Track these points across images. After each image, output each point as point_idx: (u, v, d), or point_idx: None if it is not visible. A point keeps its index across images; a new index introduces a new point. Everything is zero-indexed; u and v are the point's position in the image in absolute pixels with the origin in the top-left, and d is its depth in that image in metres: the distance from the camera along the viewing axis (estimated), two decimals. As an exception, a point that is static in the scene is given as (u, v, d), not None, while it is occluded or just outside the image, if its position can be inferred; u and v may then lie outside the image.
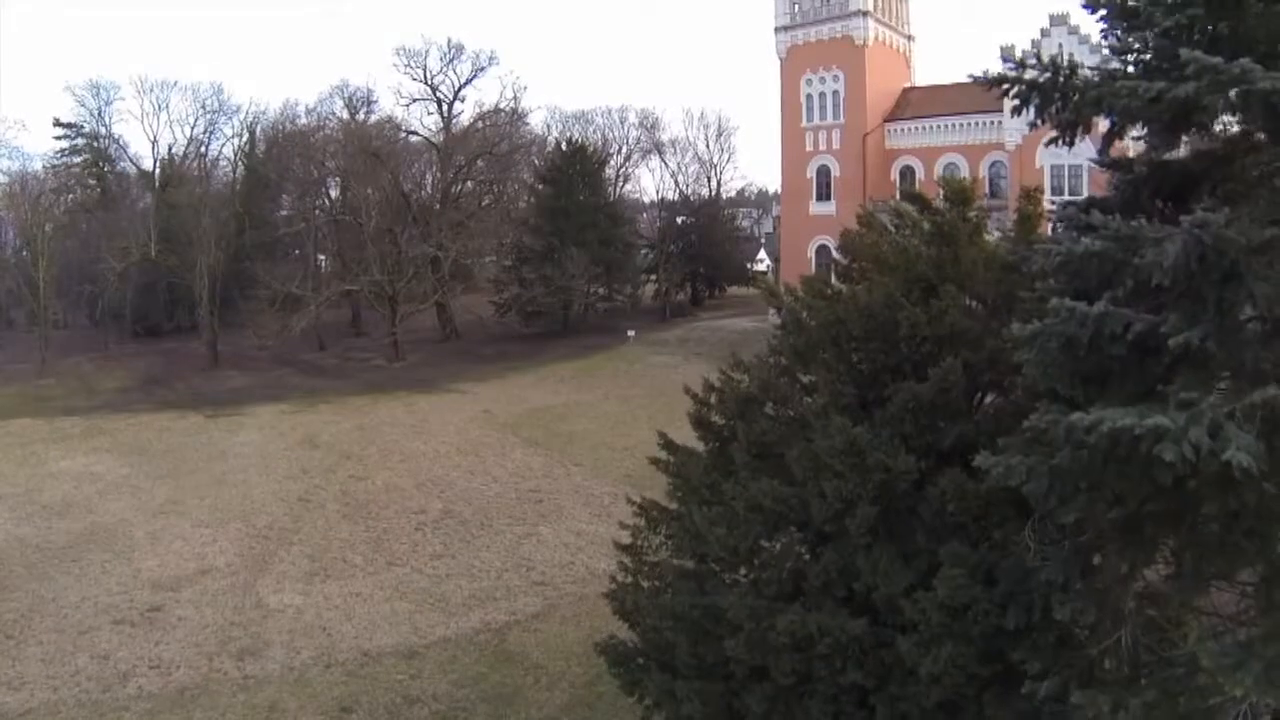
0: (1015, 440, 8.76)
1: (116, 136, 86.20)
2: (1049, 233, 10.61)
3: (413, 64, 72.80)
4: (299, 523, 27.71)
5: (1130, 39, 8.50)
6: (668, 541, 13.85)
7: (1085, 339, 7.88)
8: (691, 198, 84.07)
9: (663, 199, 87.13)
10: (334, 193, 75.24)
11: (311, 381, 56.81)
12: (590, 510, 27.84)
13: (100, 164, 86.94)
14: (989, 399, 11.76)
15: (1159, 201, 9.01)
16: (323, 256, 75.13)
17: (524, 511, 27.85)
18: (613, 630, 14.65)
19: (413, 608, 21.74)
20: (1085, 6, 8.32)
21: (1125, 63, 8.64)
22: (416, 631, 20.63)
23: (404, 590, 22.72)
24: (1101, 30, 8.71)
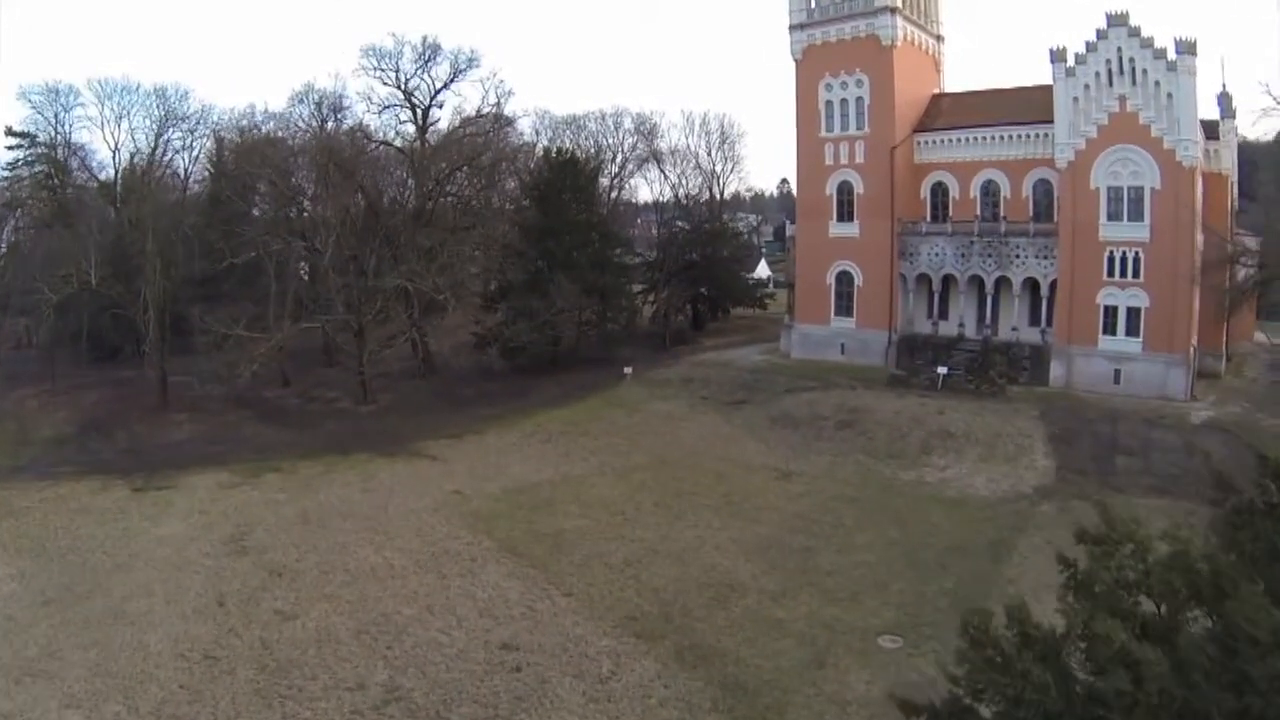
0: None
1: (77, 146, 78.93)
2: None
3: (383, 65, 65.66)
4: (196, 703, 20.96)
5: None
6: None
7: None
8: (689, 206, 77.06)
9: (661, 213, 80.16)
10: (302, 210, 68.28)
11: (266, 432, 50.05)
12: (584, 687, 21.09)
13: (57, 176, 79.53)
14: None
15: None
16: (304, 266, 68.06)
17: (494, 689, 21.07)
18: None
19: None
20: None
21: None
22: None
23: None
24: None
